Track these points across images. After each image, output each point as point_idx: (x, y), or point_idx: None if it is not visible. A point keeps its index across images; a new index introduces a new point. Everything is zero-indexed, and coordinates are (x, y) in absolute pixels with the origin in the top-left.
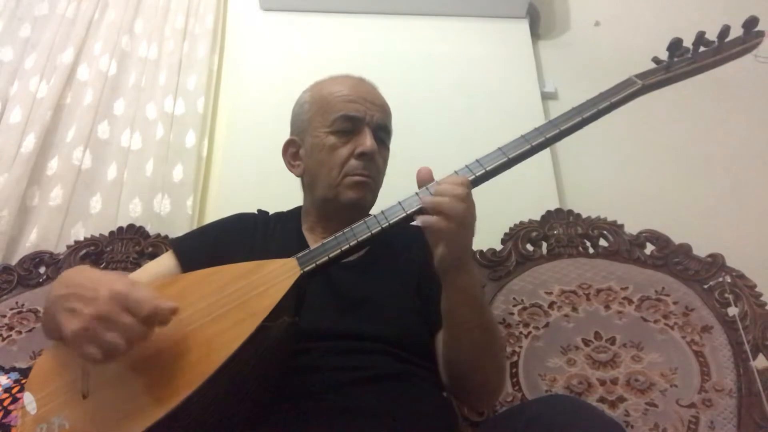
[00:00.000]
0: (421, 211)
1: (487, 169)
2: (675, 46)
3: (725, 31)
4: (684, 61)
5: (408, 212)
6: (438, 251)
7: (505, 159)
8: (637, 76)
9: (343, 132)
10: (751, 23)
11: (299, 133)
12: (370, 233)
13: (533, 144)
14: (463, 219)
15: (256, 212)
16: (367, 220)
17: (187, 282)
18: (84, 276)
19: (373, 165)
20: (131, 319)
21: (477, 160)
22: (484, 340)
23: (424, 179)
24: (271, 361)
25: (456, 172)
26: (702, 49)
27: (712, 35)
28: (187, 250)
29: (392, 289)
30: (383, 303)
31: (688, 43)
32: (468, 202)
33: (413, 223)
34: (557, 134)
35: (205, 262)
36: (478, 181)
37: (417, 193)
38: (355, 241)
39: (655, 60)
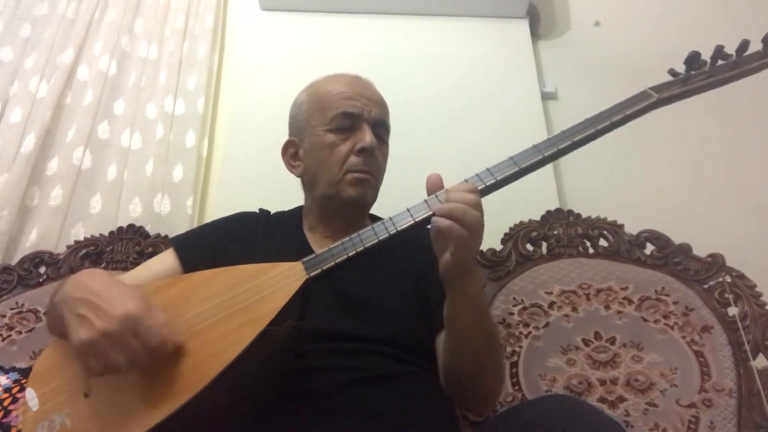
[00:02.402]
0: (425, 221)
1: (498, 178)
2: (693, 59)
3: (744, 45)
4: (701, 74)
5: (416, 219)
6: (445, 257)
7: (516, 169)
8: (652, 88)
9: (341, 129)
10: None
11: (298, 133)
12: (377, 239)
13: (545, 155)
14: (477, 226)
15: (258, 211)
16: (374, 226)
17: (192, 282)
18: (99, 284)
19: (373, 161)
20: (138, 344)
21: (487, 169)
22: (486, 348)
23: (434, 186)
24: (274, 365)
25: (466, 180)
26: (720, 62)
27: (711, 35)
28: (188, 248)
29: (393, 290)
30: (384, 304)
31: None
32: (480, 209)
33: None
34: (570, 145)
35: (207, 261)
36: (488, 190)
37: (426, 201)
38: (362, 248)
39: (672, 72)
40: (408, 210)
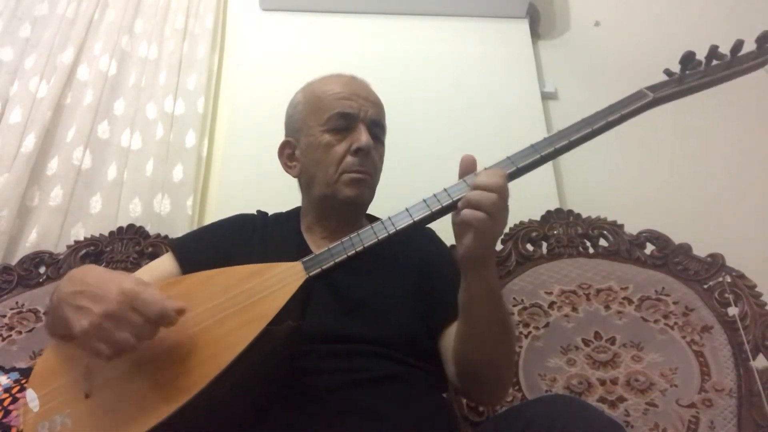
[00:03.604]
0: (424, 221)
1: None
2: (687, 59)
3: (738, 45)
4: (696, 74)
5: (415, 219)
6: (464, 242)
7: (514, 168)
8: (648, 88)
9: (338, 129)
10: (764, 38)
11: (294, 133)
12: (376, 239)
13: (542, 154)
14: (497, 211)
15: (255, 213)
16: (374, 226)
17: (192, 283)
18: (92, 274)
19: (370, 161)
20: (140, 318)
21: (485, 169)
22: (502, 333)
23: (467, 169)
24: (274, 364)
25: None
26: (714, 62)
27: (711, 35)
28: (186, 251)
29: (392, 291)
30: (382, 305)
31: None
32: (500, 192)
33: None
34: (567, 145)
35: (205, 263)
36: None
37: (425, 200)
38: (361, 247)
39: (667, 72)
40: (407, 210)
